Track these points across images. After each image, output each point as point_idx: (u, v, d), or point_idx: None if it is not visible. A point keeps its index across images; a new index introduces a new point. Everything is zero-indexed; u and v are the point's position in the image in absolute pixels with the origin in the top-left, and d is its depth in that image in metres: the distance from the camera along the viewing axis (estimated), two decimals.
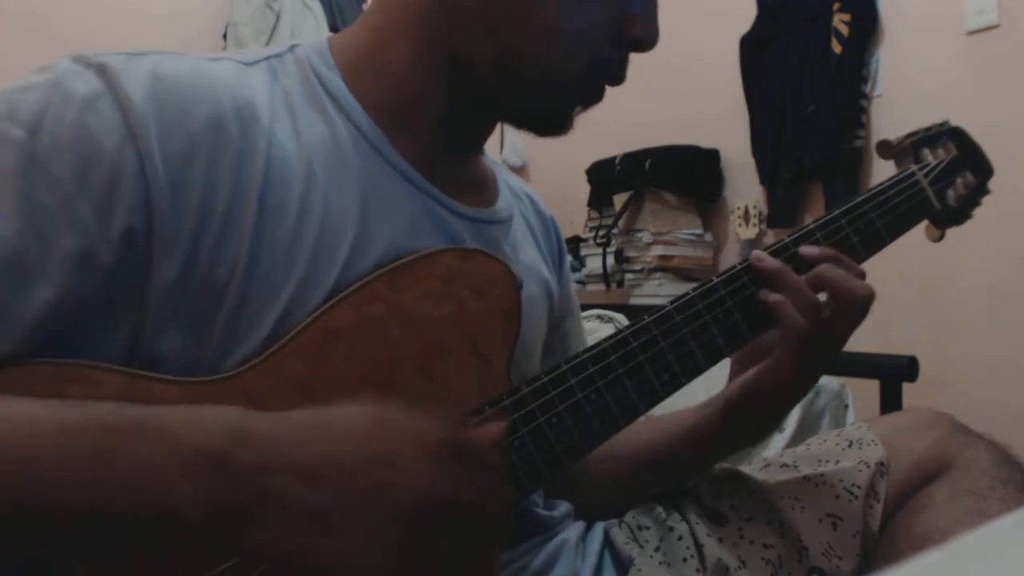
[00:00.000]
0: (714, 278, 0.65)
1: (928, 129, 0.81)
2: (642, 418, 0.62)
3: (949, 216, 0.79)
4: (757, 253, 0.66)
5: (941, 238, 0.79)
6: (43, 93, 0.50)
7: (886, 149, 0.81)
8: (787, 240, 0.68)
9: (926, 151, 0.79)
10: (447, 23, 0.60)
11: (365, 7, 2.84)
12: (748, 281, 0.65)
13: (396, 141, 0.62)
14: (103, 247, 0.49)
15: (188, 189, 0.51)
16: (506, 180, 0.76)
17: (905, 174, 0.76)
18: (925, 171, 0.77)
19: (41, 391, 0.47)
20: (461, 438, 0.49)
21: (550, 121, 0.65)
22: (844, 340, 0.66)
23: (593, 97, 0.64)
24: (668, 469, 0.75)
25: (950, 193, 0.78)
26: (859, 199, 0.73)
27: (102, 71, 0.51)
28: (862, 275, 0.67)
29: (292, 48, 0.63)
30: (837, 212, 0.71)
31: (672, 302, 0.64)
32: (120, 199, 0.49)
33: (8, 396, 0.45)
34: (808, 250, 0.66)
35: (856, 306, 0.64)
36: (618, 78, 0.63)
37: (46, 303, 0.48)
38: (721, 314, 0.64)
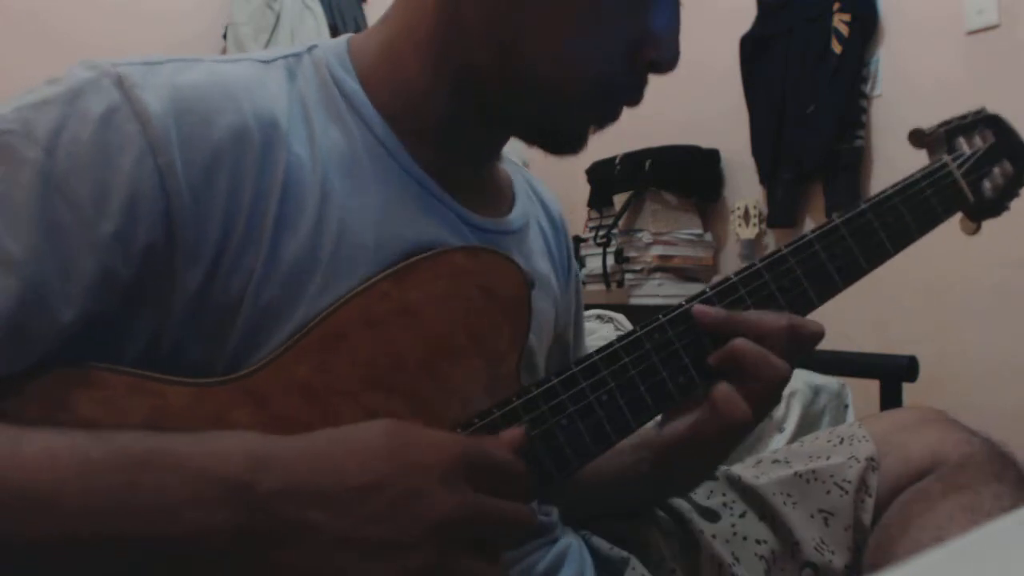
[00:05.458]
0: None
1: (963, 117, 0.77)
2: None
3: (985, 208, 0.76)
4: (700, 308, 0.60)
5: (977, 231, 0.76)
6: (59, 109, 0.49)
7: (918, 138, 0.77)
8: (809, 237, 0.64)
9: (961, 140, 0.75)
10: (457, 39, 0.59)
11: (365, 8, 2.85)
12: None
13: (412, 149, 0.60)
14: (124, 266, 0.48)
15: (212, 199, 0.51)
16: (526, 180, 0.74)
17: (937, 165, 0.72)
18: (959, 161, 0.74)
19: (51, 395, 0.47)
20: (482, 451, 0.48)
21: (561, 139, 0.62)
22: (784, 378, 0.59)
23: (609, 118, 0.61)
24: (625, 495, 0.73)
25: (986, 184, 0.75)
26: (889, 192, 0.69)
27: (119, 83, 0.50)
28: (781, 349, 0.59)
29: (310, 49, 0.61)
30: (865, 206, 0.68)
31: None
32: (141, 217, 0.48)
33: (25, 428, 0.44)
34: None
35: (771, 387, 0.58)
36: (635, 100, 0.61)
37: (67, 324, 0.47)
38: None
